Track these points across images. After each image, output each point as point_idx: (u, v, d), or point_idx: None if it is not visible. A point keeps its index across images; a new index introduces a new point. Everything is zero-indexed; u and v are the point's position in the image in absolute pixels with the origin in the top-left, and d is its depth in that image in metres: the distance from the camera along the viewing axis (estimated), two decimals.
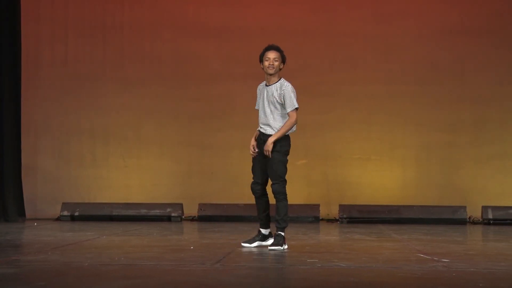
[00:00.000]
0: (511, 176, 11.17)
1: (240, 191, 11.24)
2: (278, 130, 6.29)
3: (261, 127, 6.44)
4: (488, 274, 4.65)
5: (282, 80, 6.37)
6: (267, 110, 6.35)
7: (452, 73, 11.34)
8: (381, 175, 11.27)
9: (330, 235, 8.50)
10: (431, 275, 4.60)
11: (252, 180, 6.52)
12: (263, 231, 6.48)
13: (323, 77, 11.17)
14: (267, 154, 6.29)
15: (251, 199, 11.25)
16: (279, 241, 6.19)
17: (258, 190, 6.50)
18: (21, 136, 11.04)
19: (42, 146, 11.43)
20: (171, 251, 6.03)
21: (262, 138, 6.39)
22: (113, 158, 11.43)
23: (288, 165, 12.42)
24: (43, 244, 6.61)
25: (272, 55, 6.30)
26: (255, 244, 6.40)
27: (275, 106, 6.33)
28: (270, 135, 6.31)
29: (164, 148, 11.45)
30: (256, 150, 6.42)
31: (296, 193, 11.07)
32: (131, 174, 11.41)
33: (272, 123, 6.35)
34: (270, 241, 6.35)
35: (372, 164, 11.29)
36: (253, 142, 6.47)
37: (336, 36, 11.41)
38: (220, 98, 11.42)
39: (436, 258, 5.49)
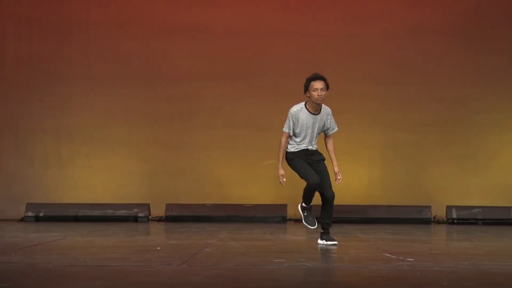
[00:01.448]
0: (475, 176, 11.34)
1: (207, 191, 11.26)
2: (334, 155, 6.92)
3: (302, 145, 6.62)
4: (452, 273, 4.72)
5: (325, 106, 6.66)
6: (314, 135, 6.63)
7: (420, 74, 11.47)
8: (348, 175, 11.24)
9: (297, 235, 8.53)
10: (396, 275, 4.65)
11: (313, 178, 6.52)
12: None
13: (292, 77, 11.16)
14: (339, 181, 6.77)
15: (218, 199, 11.33)
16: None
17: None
18: None
19: (6, 146, 11.30)
20: (138, 252, 6.00)
21: (306, 153, 6.62)
22: (79, 158, 11.34)
23: (255, 166, 12.50)
24: (7, 245, 6.53)
25: (319, 85, 6.44)
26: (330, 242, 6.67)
27: (322, 128, 6.68)
28: (314, 150, 6.66)
29: (131, 148, 11.39)
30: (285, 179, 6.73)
31: (263, 193, 11.14)
32: (97, 174, 11.33)
33: (315, 144, 6.69)
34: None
35: (339, 164, 11.33)
36: (282, 172, 6.71)
37: (305, 36, 11.47)
38: (188, 98, 11.40)
39: (401, 258, 5.55)
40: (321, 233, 6.73)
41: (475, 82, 11.43)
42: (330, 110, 6.68)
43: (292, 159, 6.61)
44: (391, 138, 11.41)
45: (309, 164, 6.59)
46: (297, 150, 6.60)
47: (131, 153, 11.40)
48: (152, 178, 11.37)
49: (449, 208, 10.78)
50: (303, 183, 6.50)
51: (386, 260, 5.47)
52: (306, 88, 6.48)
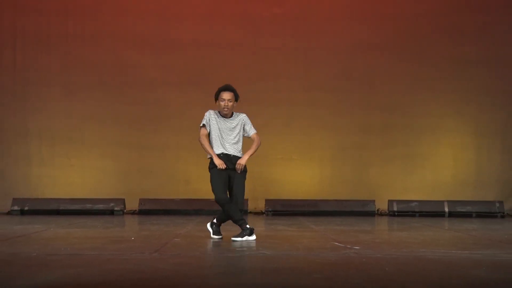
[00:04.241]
0: (413, 174, 11.53)
1: (175, 188, 11.23)
2: (250, 150, 6.21)
3: (224, 149, 6.18)
4: (392, 260, 4.79)
5: (237, 113, 6.25)
6: (230, 136, 6.17)
7: (363, 83, 11.62)
8: (301, 173, 11.43)
9: (256, 226, 8.53)
10: (344, 261, 4.70)
11: (218, 194, 6.11)
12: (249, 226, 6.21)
13: (250, 85, 11.21)
14: (240, 168, 6.14)
15: (186, 195, 11.27)
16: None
17: (227, 198, 6.18)
18: None
19: None
20: (113, 242, 5.95)
21: (226, 158, 6.15)
22: (59, 158, 11.22)
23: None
24: None
25: (226, 96, 6.09)
26: (245, 238, 6.09)
27: (237, 133, 6.20)
28: (237, 156, 6.19)
29: (106, 149, 11.32)
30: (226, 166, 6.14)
31: None
32: (76, 172, 11.23)
33: (236, 146, 6.22)
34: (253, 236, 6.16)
35: (293, 163, 11.45)
36: (220, 160, 6.12)
37: (262, 49, 11.54)
38: (157, 103, 11.37)
39: (348, 246, 5.61)
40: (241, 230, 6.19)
41: (412, 91, 11.62)
42: (244, 116, 6.24)
43: (211, 168, 6.17)
44: (339, 140, 11.53)
45: (229, 175, 6.14)
46: (218, 153, 6.16)
47: (106, 153, 11.32)
48: (126, 176, 11.30)
49: (390, 202, 10.93)
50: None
51: (335, 248, 5.53)
52: (216, 97, 6.12)
